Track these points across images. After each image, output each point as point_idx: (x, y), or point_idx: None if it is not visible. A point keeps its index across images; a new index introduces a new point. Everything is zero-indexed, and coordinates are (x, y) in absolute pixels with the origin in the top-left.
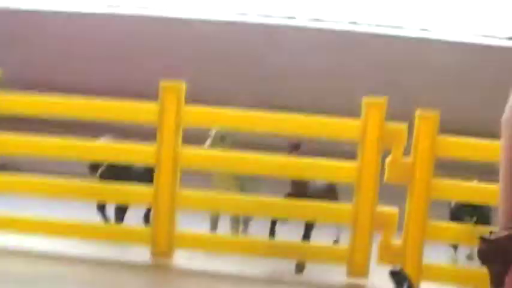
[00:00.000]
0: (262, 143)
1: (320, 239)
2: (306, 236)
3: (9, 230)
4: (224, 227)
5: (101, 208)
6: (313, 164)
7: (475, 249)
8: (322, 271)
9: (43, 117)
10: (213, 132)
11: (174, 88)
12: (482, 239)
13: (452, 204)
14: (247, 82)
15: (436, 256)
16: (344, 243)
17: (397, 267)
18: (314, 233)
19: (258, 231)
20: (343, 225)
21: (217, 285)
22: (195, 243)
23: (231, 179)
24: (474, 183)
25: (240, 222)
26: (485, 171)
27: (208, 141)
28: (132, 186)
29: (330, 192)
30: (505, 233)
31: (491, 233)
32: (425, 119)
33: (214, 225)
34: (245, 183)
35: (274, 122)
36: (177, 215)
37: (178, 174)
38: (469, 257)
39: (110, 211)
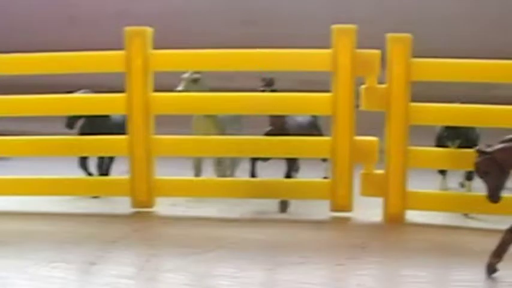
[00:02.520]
0: (233, 85)
1: (308, 175)
2: (289, 173)
3: None
4: (210, 172)
5: (83, 163)
6: (288, 99)
7: (467, 176)
8: (307, 207)
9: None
10: (185, 76)
11: (139, 33)
12: (479, 151)
13: (437, 129)
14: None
15: (426, 185)
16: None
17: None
18: (302, 170)
19: (244, 173)
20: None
21: (199, 229)
22: (175, 190)
23: (210, 122)
24: (455, 105)
25: (228, 165)
26: (468, 95)
27: (181, 85)
28: (106, 138)
29: (311, 126)
30: (500, 146)
31: (489, 146)
32: (397, 42)
33: (198, 170)
34: (226, 125)
35: (245, 59)
36: (155, 162)
37: (152, 121)
38: (462, 185)
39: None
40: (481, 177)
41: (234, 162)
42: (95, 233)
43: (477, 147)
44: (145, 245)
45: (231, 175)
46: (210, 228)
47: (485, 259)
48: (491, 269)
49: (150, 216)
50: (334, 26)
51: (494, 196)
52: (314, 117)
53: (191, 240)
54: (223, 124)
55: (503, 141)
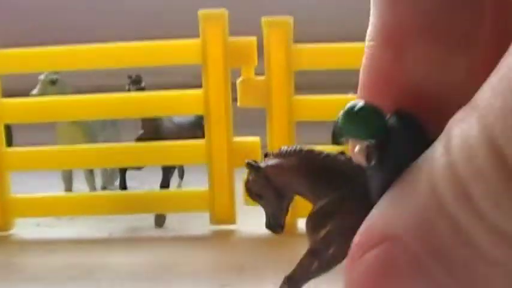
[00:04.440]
0: (94, 84)
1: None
2: (164, 182)
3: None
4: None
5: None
6: (154, 98)
7: None
8: (185, 221)
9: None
10: (41, 77)
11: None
12: (249, 166)
13: (334, 124)
14: None
15: None
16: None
17: None
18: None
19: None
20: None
21: (55, 253)
22: (37, 210)
23: (75, 128)
24: (349, 97)
25: (108, 175)
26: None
27: (36, 89)
28: None
29: (195, 127)
30: (273, 161)
31: (266, 156)
32: (275, 26)
33: (68, 184)
34: (97, 131)
35: (105, 54)
36: (9, 178)
37: (2, 131)
38: None
39: None
40: (255, 200)
41: (112, 172)
42: None
43: (248, 161)
44: None
45: (110, 186)
46: (71, 252)
47: None
48: None
49: (5, 241)
50: (201, 11)
51: (273, 226)
52: (199, 116)
53: (46, 269)
54: (94, 130)
55: (279, 154)
